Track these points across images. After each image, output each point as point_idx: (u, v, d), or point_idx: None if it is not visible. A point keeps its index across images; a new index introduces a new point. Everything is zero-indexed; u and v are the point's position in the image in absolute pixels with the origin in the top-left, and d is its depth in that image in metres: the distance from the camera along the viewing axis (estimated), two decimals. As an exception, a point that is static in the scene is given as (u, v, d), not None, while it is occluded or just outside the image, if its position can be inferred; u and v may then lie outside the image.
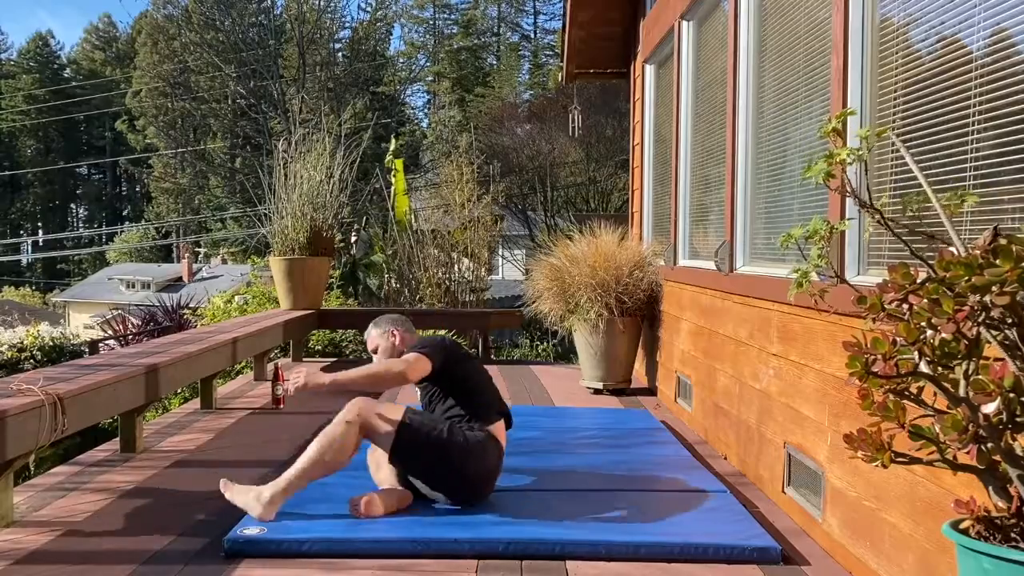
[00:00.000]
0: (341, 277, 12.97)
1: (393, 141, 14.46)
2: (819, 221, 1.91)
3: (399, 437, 3.26)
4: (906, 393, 1.63)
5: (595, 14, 7.77)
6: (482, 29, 54.22)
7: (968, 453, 1.57)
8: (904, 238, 1.80)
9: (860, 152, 1.80)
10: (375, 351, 3.73)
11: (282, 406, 5.57)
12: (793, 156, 3.83)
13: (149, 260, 51.67)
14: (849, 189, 1.85)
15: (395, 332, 3.71)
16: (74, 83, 61.50)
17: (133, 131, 54.45)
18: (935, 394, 1.62)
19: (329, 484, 3.56)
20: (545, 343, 15.36)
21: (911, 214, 1.83)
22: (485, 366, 3.92)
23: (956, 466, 1.64)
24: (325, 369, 3.47)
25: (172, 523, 3.31)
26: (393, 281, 12.44)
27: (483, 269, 12.96)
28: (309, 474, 3.24)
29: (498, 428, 3.50)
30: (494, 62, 52.30)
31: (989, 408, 1.52)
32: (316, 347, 9.23)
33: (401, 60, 51.95)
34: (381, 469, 3.55)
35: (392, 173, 13.52)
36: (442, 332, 10.19)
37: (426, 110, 54.39)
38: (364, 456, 3.64)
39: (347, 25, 49.33)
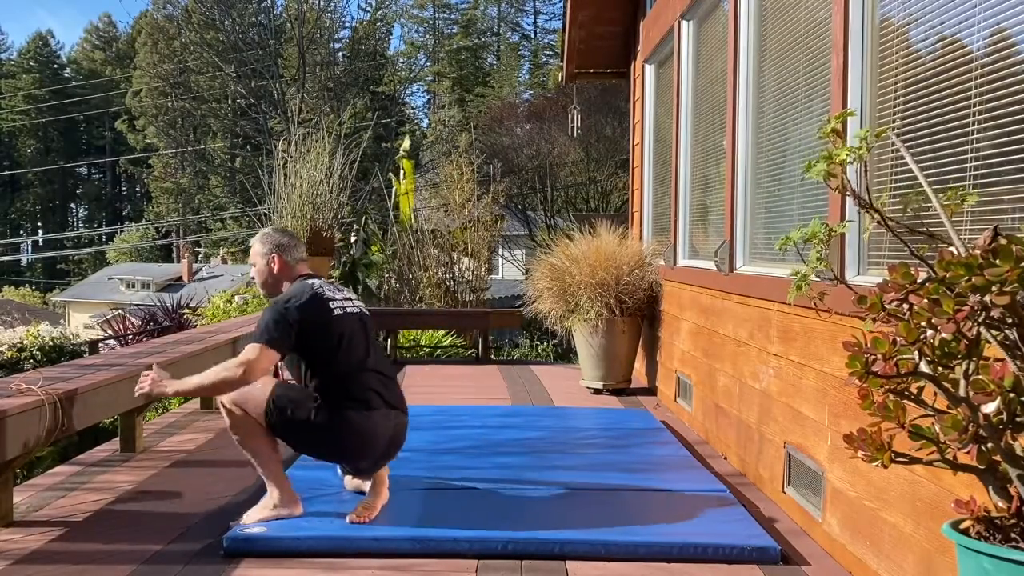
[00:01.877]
0: (340, 276, 12.97)
1: (405, 140, 14.40)
2: (817, 224, 1.90)
3: (268, 418, 3.17)
4: (906, 393, 1.63)
5: (595, 14, 7.77)
6: (482, 29, 54.22)
7: (968, 453, 1.57)
8: (904, 238, 1.80)
9: (860, 150, 1.80)
10: (253, 265, 3.44)
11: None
12: (793, 156, 3.83)
13: (149, 260, 51.65)
14: (850, 189, 1.85)
15: (276, 258, 3.35)
16: (74, 83, 61.49)
17: (133, 131, 54.45)
18: (935, 394, 1.62)
19: (328, 483, 3.57)
20: (545, 343, 15.35)
21: (911, 213, 1.83)
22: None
23: (956, 466, 1.64)
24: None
25: (172, 523, 3.31)
26: (393, 281, 12.42)
27: (483, 269, 12.94)
28: (268, 469, 3.23)
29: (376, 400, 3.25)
30: (494, 62, 52.30)
31: (989, 408, 1.52)
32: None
33: (401, 60, 51.98)
34: (361, 486, 3.50)
35: (401, 173, 13.50)
36: (441, 332, 10.18)
37: (426, 110, 54.45)
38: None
39: (347, 25, 49.44)
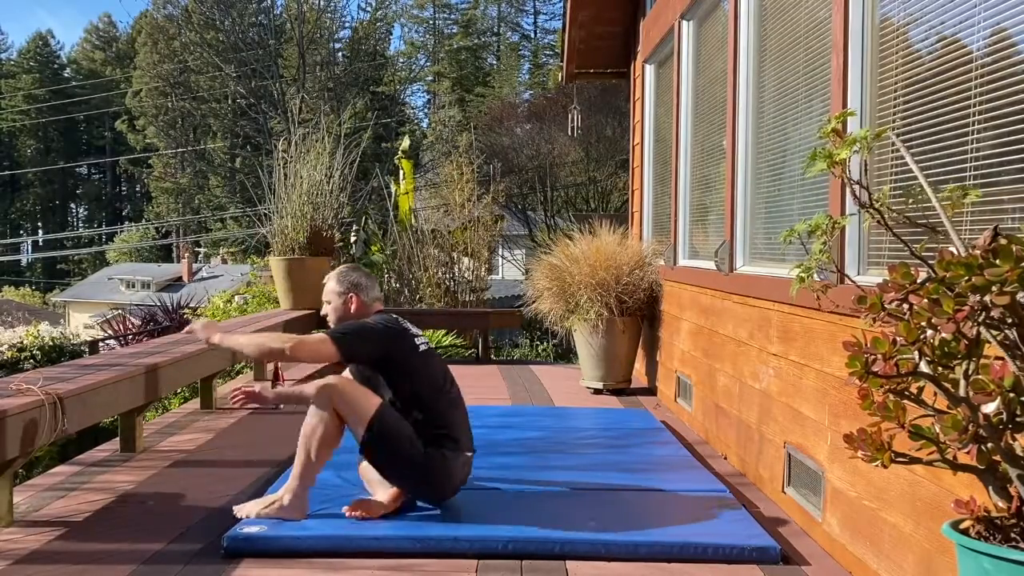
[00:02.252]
0: (341, 276, 12.98)
1: (404, 141, 14.37)
2: (822, 216, 1.92)
3: (368, 433, 3.13)
4: (906, 393, 1.63)
5: (595, 14, 7.77)
6: (482, 29, 54.23)
7: (968, 453, 1.57)
8: (904, 238, 1.80)
9: (863, 139, 1.80)
10: (328, 302, 3.41)
11: (282, 406, 5.55)
12: (793, 156, 3.83)
13: (149, 260, 51.67)
14: (850, 185, 1.85)
15: (354, 298, 3.35)
16: (74, 83, 61.51)
17: (133, 131, 54.47)
18: (935, 394, 1.62)
19: (329, 484, 3.56)
20: (545, 343, 15.35)
21: (912, 204, 1.84)
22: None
23: (956, 466, 1.64)
24: None
25: (172, 523, 3.31)
26: (393, 281, 12.42)
27: (483, 269, 12.93)
28: (308, 472, 3.19)
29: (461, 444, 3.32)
30: (494, 62, 52.31)
31: (989, 408, 1.52)
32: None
33: (401, 60, 52.00)
34: (371, 483, 3.46)
35: (400, 174, 13.48)
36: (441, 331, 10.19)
37: (426, 110, 54.46)
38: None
39: (347, 25, 49.50)
